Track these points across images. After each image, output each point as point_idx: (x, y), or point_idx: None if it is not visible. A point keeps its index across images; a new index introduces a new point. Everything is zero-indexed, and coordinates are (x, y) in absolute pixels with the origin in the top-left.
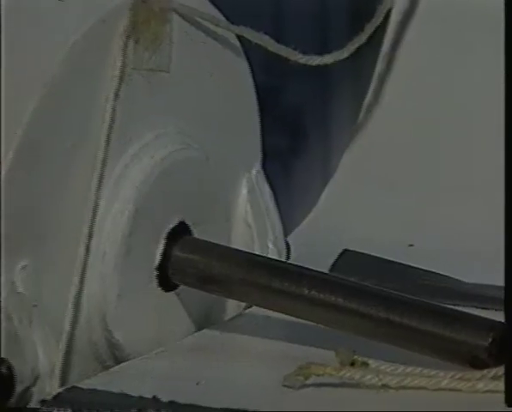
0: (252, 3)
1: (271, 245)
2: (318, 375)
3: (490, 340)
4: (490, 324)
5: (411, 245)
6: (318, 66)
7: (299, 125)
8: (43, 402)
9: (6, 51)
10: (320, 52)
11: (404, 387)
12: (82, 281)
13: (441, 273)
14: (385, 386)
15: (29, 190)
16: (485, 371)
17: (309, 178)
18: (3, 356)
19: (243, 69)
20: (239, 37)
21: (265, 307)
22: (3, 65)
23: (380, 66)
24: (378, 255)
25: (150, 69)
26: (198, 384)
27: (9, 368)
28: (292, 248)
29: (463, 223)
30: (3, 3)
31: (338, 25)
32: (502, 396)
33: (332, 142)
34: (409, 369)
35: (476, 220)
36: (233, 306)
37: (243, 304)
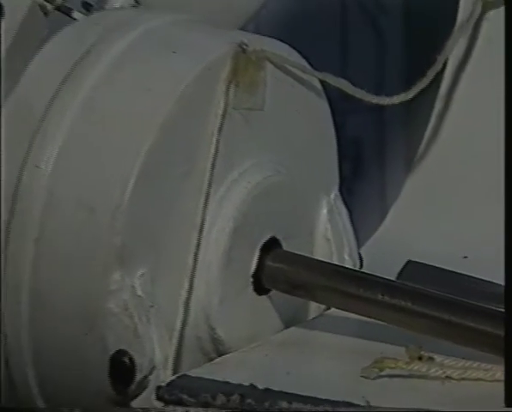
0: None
1: (347, 257)
2: (391, 368)
3: None
4: None
5: (466, 257)
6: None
7: (360, 156)
8: (158, 388)
9: (131, 92)
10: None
11: (464, 379)
12: (190, 287)
13: (493, 281)
14: (448, 378)
15: (147, 211)
16: None
17: (371, 201)
18: (125, 349)
19: (324, 107)
20: (320, 80)
21: (343, 310)
22: (127, 104)
23: (438, 105)
24: (437, 265)
25: (248, 109)
26: (288, 373)
27: (131, 359)
28: (364, 259)
29: None
30: None
31: (396, 71)
32: None
33: (388, 171)
34: (468, 363)
35: None
36: (314, 308)
37: (323, 306)
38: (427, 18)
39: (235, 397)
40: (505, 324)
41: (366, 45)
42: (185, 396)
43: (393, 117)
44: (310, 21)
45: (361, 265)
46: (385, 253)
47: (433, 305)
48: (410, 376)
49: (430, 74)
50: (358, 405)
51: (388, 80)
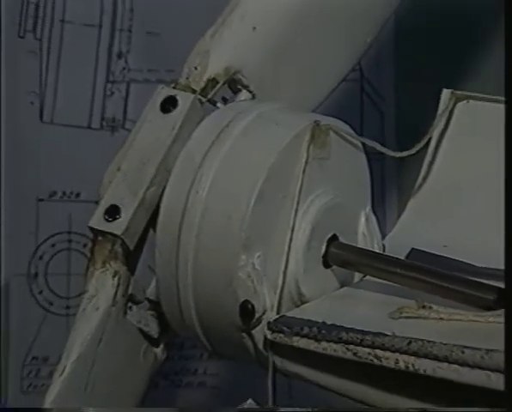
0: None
1: (376, 246)
2: (406, 312)
3: (496, 294)
4: (496, 289)
5: (445, 246)
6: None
7: None
8: (268, 323)
9: (251, 148)
10: None
11: (451, 319)
12: (286, 263)
13: (469, 262)
14: (441, 319)
15: (262, 218)
16: (492, 312)
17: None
18: (248, 299)
19: (363, 158)
20: (361, 142)
21: (376, 277)
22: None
23: (428, 157)
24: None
25: (320, 158)
26: (344, 314)
27: (252, 306)
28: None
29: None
30: None
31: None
32: (499, 325)
33: (387, 199)
34: (452, 310)
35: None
36: (357, 276)
37: (362, 274)
38: (412, 106)
39: (315, 329)
40: (505, 323)
41: (374, 121)
42: (284, 328)
43: (390, 165)
44: (342, 108)
45: (383, 251)
46: (396, 244)
47: (429, 274)
48: (418, 317)
49: (424, 139)
50: (388, 334)
51: (387, 142)
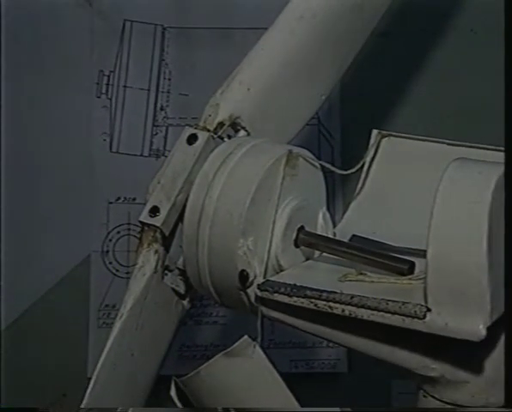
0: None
1: (329, 233)
2: (350, 277)
3: (409, 265)
4: (408, 261)
5: (374, 233)
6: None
7: None
8: (258, 285)
9: (246, 168)
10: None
11: (379, 282)
12: (270, 245)
13: (390, 243)
14: (372, 281)
15: (254, 215)
16: (405, 277)
17: None
18: (244, 268)
19: (320, 174)
20: (320, 163)
21: (329, 254)
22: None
23: (363, 174)
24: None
25: (292, 175)
26: (309, 278)
27: (247, 273)
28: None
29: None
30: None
31: (338, 161)
32: (410, 285)
33: (336, 199)
34: (379, 276)
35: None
36: (316, 253)
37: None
38: (352, 141)
39: (288, 288)
40: (505, 325)
41: (327, 151)
42: (268, 288)
43: (338, 180)
44: (307, 142)
45: (334, 237)
46: (342, 232)
47: (364, 252)
48: (357, 281)
49: (360, 163)
50: (337, 292)
51: (336, 164)
